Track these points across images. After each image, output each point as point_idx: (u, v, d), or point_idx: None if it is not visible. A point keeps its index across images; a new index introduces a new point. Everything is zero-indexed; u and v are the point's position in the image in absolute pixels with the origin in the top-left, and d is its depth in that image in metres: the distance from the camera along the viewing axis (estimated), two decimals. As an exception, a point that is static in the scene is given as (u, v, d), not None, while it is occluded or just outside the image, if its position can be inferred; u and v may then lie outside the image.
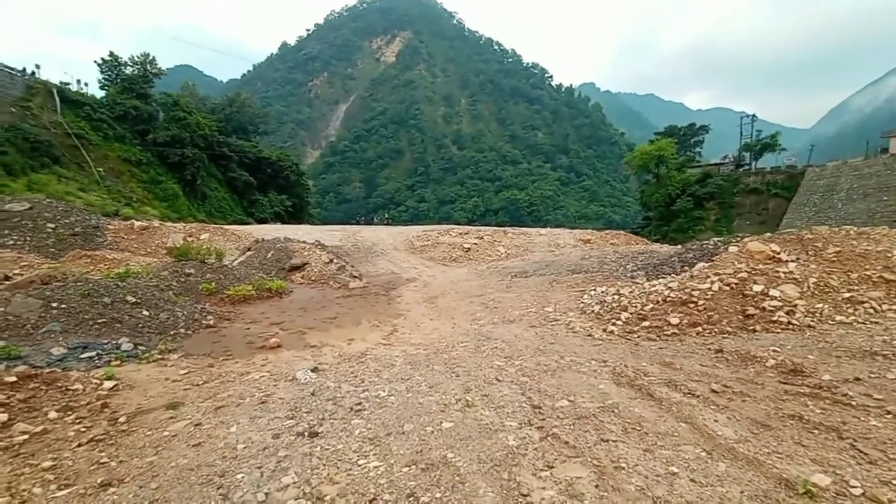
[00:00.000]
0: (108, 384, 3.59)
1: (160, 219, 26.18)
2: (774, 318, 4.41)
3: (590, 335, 5.05)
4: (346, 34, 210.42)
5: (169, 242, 16.12)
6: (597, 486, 2.00)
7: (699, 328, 4.61)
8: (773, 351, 3.80)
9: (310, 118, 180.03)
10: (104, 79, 49.80)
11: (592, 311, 5.91)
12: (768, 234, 6.85)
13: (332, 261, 13.27)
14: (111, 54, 49.71)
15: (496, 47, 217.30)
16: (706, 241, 8.10)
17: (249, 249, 15.21)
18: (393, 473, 2.21)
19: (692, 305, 4.95)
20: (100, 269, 11.16)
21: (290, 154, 73.14)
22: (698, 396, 3.03)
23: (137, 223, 16.59)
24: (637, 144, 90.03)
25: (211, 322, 6.77)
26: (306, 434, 2.74)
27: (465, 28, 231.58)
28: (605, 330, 5.13)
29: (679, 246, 10.99)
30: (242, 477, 2.24)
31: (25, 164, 33.19)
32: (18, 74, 38.88)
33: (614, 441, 2.47)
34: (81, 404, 3.11)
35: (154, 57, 52.14)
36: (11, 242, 12.97)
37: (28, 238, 13.35)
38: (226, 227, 21.86)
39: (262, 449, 2.55)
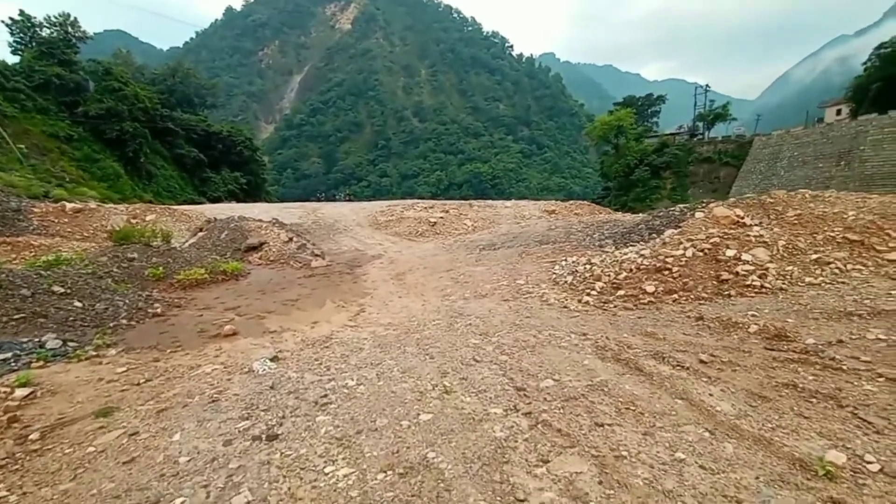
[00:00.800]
0: (20, 392, 3.04)
1: (99, 200, 23.94)
2: (748, 283, 4.40)
3: (565, 307, 4.90)
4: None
5: (109, 226, 14.77)
6: (600, 483, 1.79)
7: (675, 295, 4.55)
8: (752, 316, 3.76)
9: (262, 90, 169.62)
10: (15, 41, 44.24)
11: (565, 282, 5.77)
12: (732, 199, 6.92)
13: (291, 239, 12.56)
14: (21, 13, 44.06)
15: (455, 15, 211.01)
16: (672, 208, 8.15)
17: (201, 230, 14.16)
18: (366, 482, 1.90)
19: (667, 273, 4.88)
20: (24, 258, 10.00)
21: (243, 128, 68.75)
22: (688, 368, 2.91)
23: (70, 205, 15.01)
24: (596, 115, 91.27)
25: (158, 310, 6.14)
26: (263, 438, 2.38)
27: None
28: (580, 301, 5.00)
29: (644, 214, 11.11)
30: (183, 502, 1.86)
31: (-74, 141, 29.28)
32: None
33: (610, 425, 2.28)
34: (-18, 420, 2.58)
35: (76, 18, 46.73)
36: None
37: (-67, 225, 11.79)
38: (175, 207, 20.32)
39: (211, 461, 2.18)
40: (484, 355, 3.49)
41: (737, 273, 4.57)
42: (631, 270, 5.21)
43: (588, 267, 6.05)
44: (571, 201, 21.08)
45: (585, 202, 20.98)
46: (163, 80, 58.32)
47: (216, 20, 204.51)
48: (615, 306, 4.66)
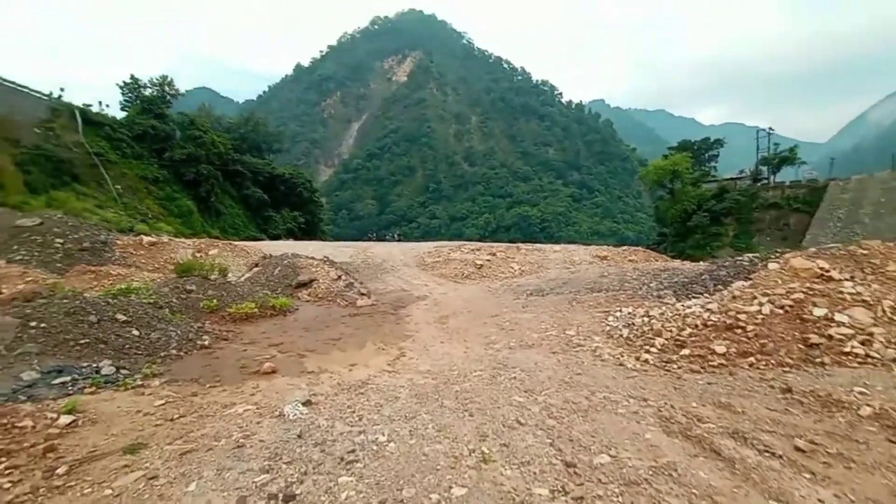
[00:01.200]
0: (64, 420, 3.09)
1: (172, 234, 26.19)
2: (846, 350, 3.73)
3: (621, 364, 4.41)
4: (359, 55, 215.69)
5: (177, 258, 15.96)
6: None
7: (751, 359, 3.95)
8: (861, 394, 3.09)
9: (323, 137, 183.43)
10: (125, 100, 51.39)
11: (620, 336, 5.27)
12: (812, 250, 6.16)
13: (340, 277, 12.84)
14: (132, 77, 51.37)
15: (506, 66, 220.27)
16: (740, 258, 7.43)
17: (256, 265, 14.89)
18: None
19: (739, 331, 4.30)
20: (103, 285, 10.88)
21: (304, 171, 74.02)
22: (780, 457, 2.38)
23: (146, 238, 16.46)
24: (649, 160, 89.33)
25: (206, 342, 6.32)
26: (280, 497, 2.18)
27: (474, 48, 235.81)
28: (637, 358, 4.49)
29: (707, 263, 10.27)
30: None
31: (47, 183, 33.92)
32: (45, 97, 40.21)
33: (685, 530, 1.86)
34: (24, 447, 2.61)
35: (172, 79, 53.71)
36: (19, 258, 12.85)
37: (36, 253, 13.23)
38: (235, 242, 21.73)
39: (220, 520, 2.01)
40: (529, 417, 3.13)
41: (830, 337, 3.91)
42: (696, 327, 4.65)
43: (646, 320, 5.53)
44: (625, 247, 20.18)
45: (640, 248, 19.98)
46: (237, 128, 64.78)
47: (286, 75, 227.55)
48: (679, 367, 4.12)
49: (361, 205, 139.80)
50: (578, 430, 2.86)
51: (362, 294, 11.50)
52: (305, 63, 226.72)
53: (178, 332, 6.35)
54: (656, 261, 17.70)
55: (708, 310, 4.89)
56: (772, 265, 5.99)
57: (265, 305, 9.23)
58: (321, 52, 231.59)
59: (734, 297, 4.90)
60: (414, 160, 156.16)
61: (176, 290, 8.86)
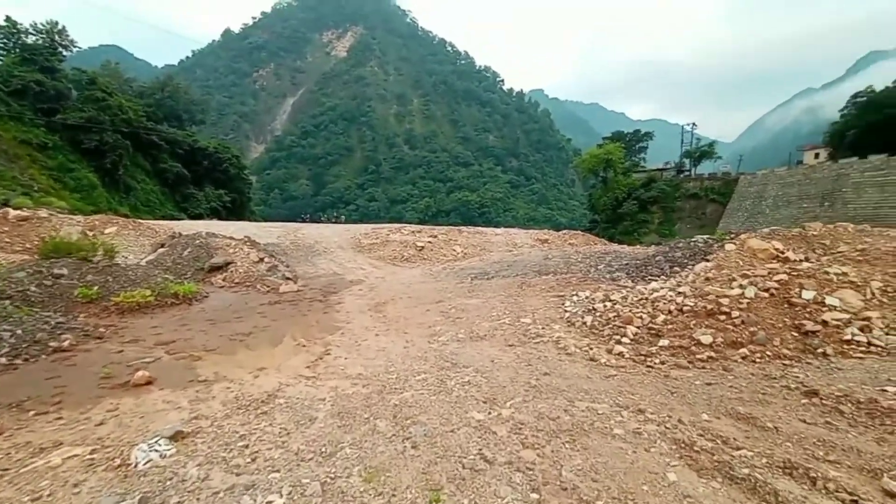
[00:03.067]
0: None
1: (68, 211, 22.15)
2: (846, 338, 3.38)
3: (592, 359, 3.76)
4: (295, 25, 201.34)
5: (59, 238, 13.25)
6: None
7: (743, 350, 3.48)
8: (897, 394, 2.60)
9: (254, 111, 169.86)
10: (-2, 47, 42.97)
11: (583, 324, 4.66)
12: (766, 230, 6.00)
13: (262, 260, 11.28)
14: (7, 19, 43.04)
15: (449, 48, 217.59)
16: (692, 239, 7.22)
17: (162, 246, 12.77)
18: None
19: (723, 318, 3.83)
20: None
21: (231, 146, 67.61)
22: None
23: (14, 212, 13.48)
24: (583, 150, 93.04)
25: (65, 343, 4.79)
26: None
27: (418, 27, 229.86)
28: (609, 351, 3.88)
29: (645, 246, 10.20)
30: None
31: None
32: None
33: None
34: None
35: (64, 26, 45.86)
36: None
37: None
38: (141, 220, 18.82)
39: None
40: (496, 447, 2.29)
41: (825, 323, 3.54)
42: (670, 313, 4.15)
43: (608, 305, 4.97)
44: (565, 230, 20.31)
45: (579, 232, 20.20)
46: (151, 93, 57.38)
47: (213, 41, 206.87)
48: (661, 362, 3.55)
49: (295, 185, 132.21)
50: (570, 470, 2.07)
51: (287, 279, 10.11)
52: (236, 29, 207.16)
53: (20, 331, 4.76)
54: (595, 244, 17.92)
55: (680, 293, 4.41)
56: (728, 246, 5.71)
57: (164, 293, 7.63)
58: (253, 18, 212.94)
59: (707, 279, 4.47)
60: (352, 140, 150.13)
61: (37, 274, 6.99)
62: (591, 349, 3.97)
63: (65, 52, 46.53)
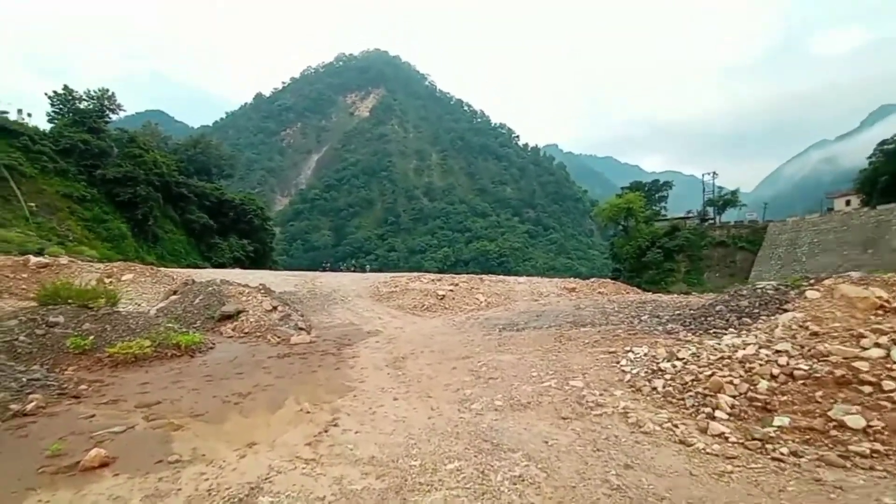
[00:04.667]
0: None
1: (83, 258, 22.42)
2: None
3: (683, 441, 2.83)
4: (321, 88, 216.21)
5: (99, 288, 13.06)
6: None
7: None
8: None
9: (281, 166, 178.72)
10: (54, 112, 46.63)
11: (652, 390, 3.74)
12: (856, 275, 5.05)
13: (275, 308, 10.68)
14: (65, 87, 47.07)
15: (466, 108, 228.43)
16: (757, 286, 6.27)
17: (175, 293, 12.38)
18: None
19: (870, 389, 2.87)
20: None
21: (256, 198, 70.10)
22: None
23: (35, 259, 13.46)
24: (600, 201, 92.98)
25: (30, 406, 4.09)
26: None
27: (436, 89, 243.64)
28: (703, 430, 2.94)
29: (716, 294, 9.15)
30: None
31: (-66, 195, 29.09)
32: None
33: None
34: None
35: (113, 93, 49.78)
36: None
37: None
38: (159, 268, 18.74)
39: None
40: None
41: None
42: (775, 378, 3.23)
43: (678, 365, 4.04)
44: (593, 279, 19.29)
45: (609, 280, 19.12)
46: (184, 150, 60.82)
47: (246, 103, 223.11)
48: (792, 453, 2.59)
49: (317, 235, 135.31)
50: None
51: (300, 329, 9.41)
52: (266, 93, 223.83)
53: (-19, 389, 4.11)
54: (628, 293, 16.81)
55: (779, 352, 3.48)
56: (811, 294, 4.77)
57: (165, 344, 7.00)
58: (283, 82, 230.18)
59: (813, 335, 3.54)
60: (373, 193, 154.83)
61: (30, 322, 6.48)
62: (677, 427, 3.04)
63: (112, 116, 50.15)
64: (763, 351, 3.61)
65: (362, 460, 2.78)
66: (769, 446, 2.70)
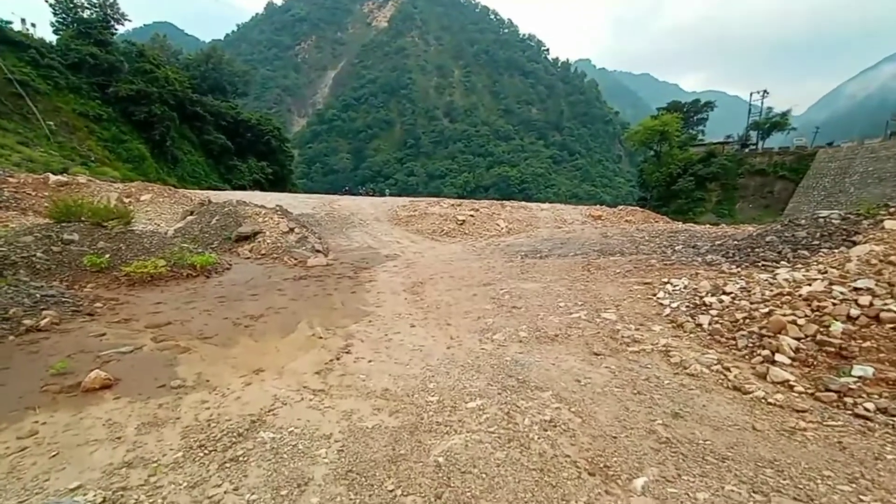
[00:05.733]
0: None
1: (120, 180, 22.48)
2: None
3: (738, 388, 2.46)
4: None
5: (111, 206, 13.12)
6: None
7: None
8: None
9: (296, 84, 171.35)
10: (57, 22, 44.41)
11: (697, 326, 3.35)
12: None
13: (291, 230, 10.49)
14: (65, -8, 44.12)
15: (492, 16, 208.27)
16: (819, 215, 5.54)
17: (192, 213, 12.31)
18: None
19: None
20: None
21: (272, 118, 68.19)
22: None
23: (54, 178, 13.44)
24: (632, 124, 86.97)
25: (43, 322, 4.02)
26: None
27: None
28: (761, 375, 2.57)
29: (767, 223, 8.41)
30: None
31: (-49, 112, 29.01)
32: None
33: None
34: None
35: (116, 0, 46.68)
36: None
37: None
38: (177, 188, 18.67)
39: None
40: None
41: None
42: (853, 319, 2.77)
43: (726, 300, 3.59)
44: (620, 206, 18.41)
45: (637, 208, 18.21)
46: (196, 65, 58.29)
47: (257, 14, 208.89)
48: (880, 409, 2.20)
49: (336, 158, 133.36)
50: None
51: (317, 251, 9.25)
52: (279, 1, 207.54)
53: (-7, 304, 4.02)
54: (657, 222, 16.01)
55: (857, 290, 2.97)
56: (890, 223, 4.07)
57: (180, 264, 6.90)
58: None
59: (890, 265, 2.98)
60: (392, 113, 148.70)
61: (46, 239, 6.38)
62: (728, 370, 2.67)
63: (117, 27, 47.54)
64: (837, 288, 3.10)
65: (374, 393, 2.56)
66: (848, 399, 2.32)
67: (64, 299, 4.78)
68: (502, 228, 14.09)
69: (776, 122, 46.55)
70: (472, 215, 14.78)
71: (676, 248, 7.79)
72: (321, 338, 3.72)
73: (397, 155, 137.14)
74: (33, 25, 43.59)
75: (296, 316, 4.49)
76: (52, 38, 43.51)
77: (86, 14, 45.29)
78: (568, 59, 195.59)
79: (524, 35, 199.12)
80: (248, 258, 9.03)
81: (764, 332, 2.98)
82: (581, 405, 2.34)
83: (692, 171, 46.86)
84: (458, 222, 14.00)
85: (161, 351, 3.42)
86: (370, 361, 3.10)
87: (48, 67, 37.86)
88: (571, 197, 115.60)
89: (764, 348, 2.86)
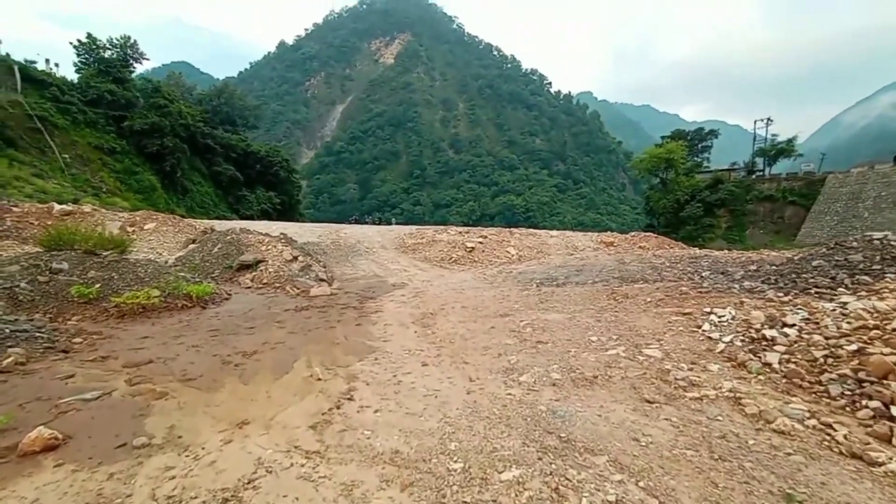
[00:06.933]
0: None
1: (129, 210, 22.46)
2: None
3: (860, 457, 1.90)
4: (345, 35, 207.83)
5: (105, 233, 12.91)
6: None
7: None
8: None
9: (306, 118, 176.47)
10: (80, 62, 46.32)
11: (764, 365, 2.82)
12: None
13: (295, 258, 10.11)
14: (88, 36, 46.33)
15: (495, 53, 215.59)
16: (870, 237, 5.04)
17: (194, 242, 12.03)
18: None
19: None
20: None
21: (281, 150, 69.62)
22: None
23: (58, 207, 13.31)
24: (635, 153, 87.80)
25: (5, 362, 3.57)
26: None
27: (464, 33, 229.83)
28: (888, 439, 2.02)
29: (810, 248, 7.87)
30: None
31: (-28, 146, 29.71)
32: (-27, 49, 35.52)
33: None
34: None
35: (135, 41, 48.84)
36: None
37: None
38: (181, 217, 18.56)
39: None
40: None
41: None
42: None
43: (792, 332, 3.06)
44: (633, 232, 17.95)
45: (651, 234, 17.73)
46: (209, 100, 60.14)
47: (269, 52, 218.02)
48: None
49: (343, 189, 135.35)
50: None
51: (321, 280, 8.82)
52: (290, 41, 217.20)
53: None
54: (672, 248, 15.50)
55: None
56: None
57: (176, 294, 6.48)
58: (306, 29, 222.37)
59: None
60: (399, 145, 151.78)
61: (32, 269, 6.01)
62: (833, 429, 2.12)
63: (136, 65, 49.44)
64: (939, 320, 2.59)
65: (382, 457, 2.04)
66: None
67: (39, 334, 4.33)
68: (513, 255, 13.65)
69: (782, 149, 46.56)
70: (480, 242, 14.38)
71: (703, 273, 7.28)
72: (320, 379, 3.22)
73: (403, 185, 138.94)
74: (56, 65, 45.47)
75: (293, 352, 3.99)
76: (74, 76, 45.22)
77: (107, 54, 47.20)
78: (570, 92, 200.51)
79: (527, 70, 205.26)
80: (250, 287, 8.62)
81: (862, 375, 2.44)
82: (651, 477, 1.81)
83: (700, 197, 46.58)
84: (467, 249, 13.59)
85: (133, 397, 2.93)
86: (376, 411, 2.58)
87: (67, 103, 39.12)
88: (577, 225, 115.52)
89: (870, 398, 2.31)
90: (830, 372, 2.59)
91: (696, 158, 57.48)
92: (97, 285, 6.07)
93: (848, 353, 2.65)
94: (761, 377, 2.77)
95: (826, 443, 2.07)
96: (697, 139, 59.77)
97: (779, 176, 46.23)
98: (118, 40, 48.68)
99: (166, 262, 9.62)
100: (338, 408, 2.65)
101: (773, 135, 49.46)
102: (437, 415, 2.52)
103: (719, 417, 2.33)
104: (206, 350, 4.12)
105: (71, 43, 46.30)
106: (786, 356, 2.89)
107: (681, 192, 47.96)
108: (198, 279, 7.70)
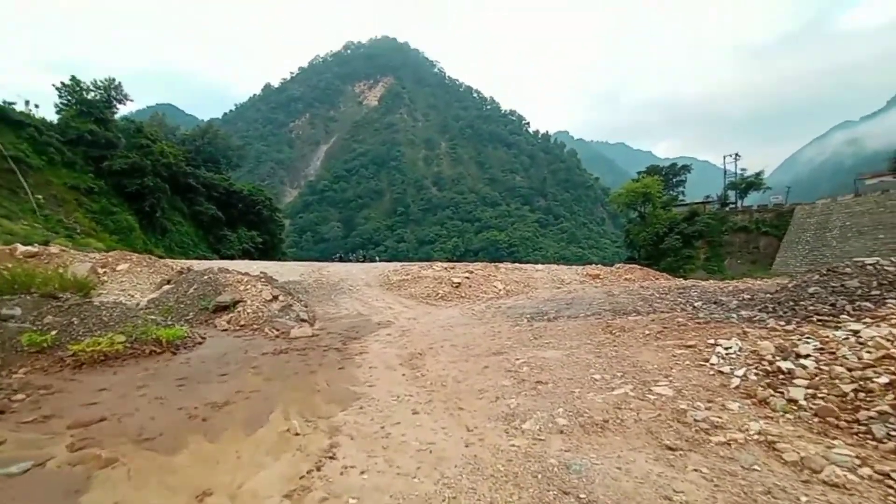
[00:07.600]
0: None
1: (104, 251, 21.54)
2: None
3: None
4: (330, 78, 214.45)
5: (67, 275, 12.20)
6: None
7: None
8: None
9: (290, 158, 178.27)
10: (62, 103, 46.06)
11: (789, 402, 2.59)
12: None
13: (275, 298, 9.67)
14: (72, 78, 46.34)
15: (475, 95, 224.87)
16: (863, 262, 5.01)
17: (168, 283, 11.47)
18: None
19: None
20: None
21: (264, 189, 69.46)
22: None
23: (22, 248, 12.63)
24: (612, 189, 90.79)
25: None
26: None
27: (445, 76, 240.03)
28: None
29: (809, 273, 7.84)
30: None
31: (-60, 188, 28.67)
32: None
33: None
34: None
35: (120, 83, 49.08)
36: None
37: None
38: (157, 258, 17.86)
39: None
40: None
41: None
42: None
43: (810, 364, 2.87)
44: (618, 264, 18.04)
45: (636, 266, 17.83)
46: (192, 140, 60.22)
47: (254, 94, 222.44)
48: None
49: (327, 227, 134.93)
50: None
51: (302, 320, 8.39)
52: (275, 83, 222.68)
53: None
54: (658, 279, 15.54)
55: None
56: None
57: (143, 339, 5.99)
58: (291, 73, 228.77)
59: None
60: (382, 183, 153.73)
61: (-19, 315, 5.49)
62: (892, 478, 1.86)
63: (119, 106, 49.45)
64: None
65: (369, 534, 1.69)
66: None
67: (-23, 390, 3.83)
68: (500, 290, 13.43)
69: (752, 182, 48.75)
70: (467, 277, 14.15)
71: (696, 304, 7.17)
72: (298, 434, 2.83)
73: (387, 222, 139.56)
74: (36, 106, 45.10)
75: (269, 402, 3.59)
76: (55, 117, 44.78)
77: (90, 96, 47.18)
78: (547, 131, 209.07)
79: (506, 111, 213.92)
80: (226, 330, 8.13)
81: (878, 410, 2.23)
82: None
83: (678, 229, 47.85)
84: (454, 285, 13.32)
85: (73, 466, 2.49)
86: (363, 473, 2.23)
87: (45, 144, 38.54)
88: (560, 259, 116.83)
89: (889, 433, 2.09)
90: (867, 409, 2.37)
91: (671, 192, 59.58)
92: (53, 332, 5.57)
93: (880, 386, 2.45)
94: (789, 416, 2.53)
95: (892, 498, 1.81)
96: (672, 174, 62.20)
97: (750, 208, 48.08)
98: (102, 82, 48.82)
99: (137, 305, 9.05)
100: (318, 469, 2.28)
101: (742, 169, 51.88)
102: (433, 474, 2.18)
103: (756, 467, 2.06)
104: (170, 402, 3.68)
105: (54, 85, 46.29)
106: (810, 391, 2.67)
107: (659, 225, 49.23)
108: (170, 322, 7.20)
